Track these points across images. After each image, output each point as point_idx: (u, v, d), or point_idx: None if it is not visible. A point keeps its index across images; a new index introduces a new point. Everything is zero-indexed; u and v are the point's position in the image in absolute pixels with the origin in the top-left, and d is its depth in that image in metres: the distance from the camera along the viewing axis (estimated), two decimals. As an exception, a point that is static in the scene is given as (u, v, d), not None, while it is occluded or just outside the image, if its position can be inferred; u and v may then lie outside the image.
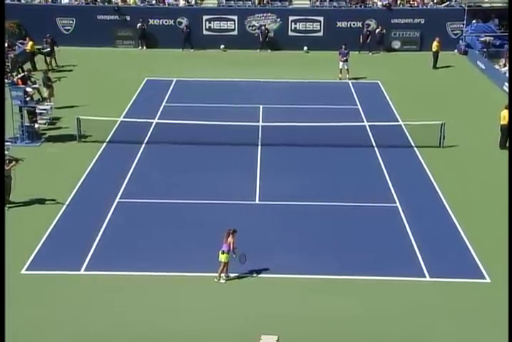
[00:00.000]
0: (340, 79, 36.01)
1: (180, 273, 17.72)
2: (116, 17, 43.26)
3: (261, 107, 31.17)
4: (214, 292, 17.09)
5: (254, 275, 17.74)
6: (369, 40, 42.39)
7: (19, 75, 30.35)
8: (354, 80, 35.92)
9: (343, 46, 36.12)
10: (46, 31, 39.39)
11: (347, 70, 35.92)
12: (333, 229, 20.24)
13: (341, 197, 22.28)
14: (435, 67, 39.24)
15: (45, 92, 30.50)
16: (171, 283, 17.38)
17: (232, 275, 17.62)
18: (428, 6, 44.15)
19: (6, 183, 20.60)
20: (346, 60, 35.99)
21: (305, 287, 17.33)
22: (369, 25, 42.95)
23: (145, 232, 19.93)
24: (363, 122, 29.06)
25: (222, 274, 17.49)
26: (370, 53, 42.43)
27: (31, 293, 16.88)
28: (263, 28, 43.07)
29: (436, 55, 39.32)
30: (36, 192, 22.00)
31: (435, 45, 39.35)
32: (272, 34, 43.27)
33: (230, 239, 17.21)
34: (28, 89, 27.40)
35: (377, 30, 42.57)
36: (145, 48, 43.34)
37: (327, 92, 34.18)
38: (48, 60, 37.82)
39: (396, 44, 43.55)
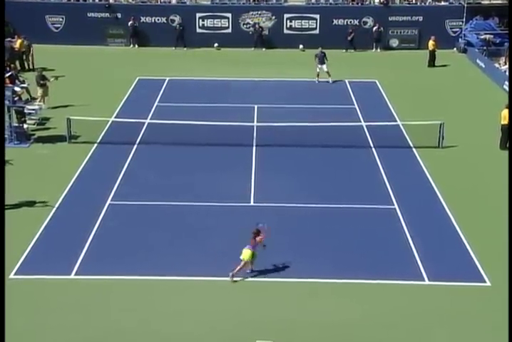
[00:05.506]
0: (318, 82, 35.25)
1: (173, 277, 17.46)
2: (107, 15, 42.91)
3: (256, 107, 30.87)
4: (209, 296, 16.81)
5: (250, 279, 17.42)
6: (350, 38, 42.04)
7: (7, 74, 29.82)
8: (334, 82, 35.34)
9: (319, 48, 35.50)
10: (35, 29, 39.17)
11: (327, 72, 35.08)
12: (330, 232, 19.92)
13: (337, 198, 21.99)
14: (431, 65, 39.04)
15: (38, 92, 30.13)
16: (165, 287, 17.11)
17: (227, 279, 17.29)
18: (427, 3, 43.89)
19: None
20: (324, 63, 35.08)
21: (301, 291, 17.07)
22: (351, 22, 42.67)
23: (137, 235, 19.62)
24: (360, 122, 28.77)
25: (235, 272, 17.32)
26: (353, 51, 42.24)
27: (20, 298, 16.50)
28: (257, 26, 42.70)
29: (432, 54, 39.08)
30: (25, 195, 21.66)
31: (431, 44, 39.17)
32: (266, 32, 43.03)
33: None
34: (17, 88, 27.06)
35: (374, 28, 42.42)
36: (136, 46, 43.01)
37: (323, 92, 33.87)
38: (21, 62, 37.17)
39: (394, 42, 43.34)
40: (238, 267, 17.20)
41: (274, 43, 42.86)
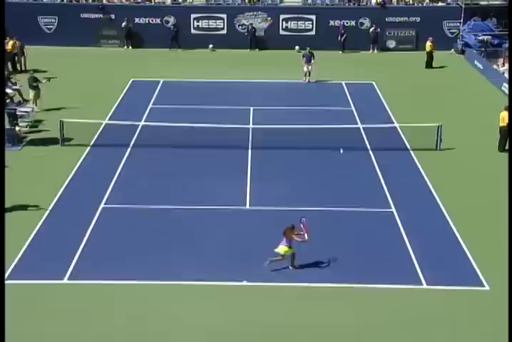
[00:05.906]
0: (306, 81, 35.20)
1: (168, 282, 17.35)
2: (100, 15, 42.76)
3: (251, 109, 30.74)
4: (203, 300, 16.71)
5: (244, 283, 17.29)
6: (342, 39, 41.84)
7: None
8: (316, 82, 35.27)
9: (307, 48, 35.40)
10: (27, 30, 39.00)
11: (309, 72, 35.06)
12: (326, 235, 19.68)
13: (334, 201, 21.84)
14: (429, 67, 38.97)
15: (30, 94, 29.90)
16: (159, 292, 17.01)
17: (221, 283, 17.23)
18: (424, 4, 43.82)
19: None
20: (310, 62, 35.08)
21: (297, 295, 16.97)
22: (347, 23, 42.51)
23: (131, 239, 19.47)
24: (357, 124, 28.65)
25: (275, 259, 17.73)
26: (342, 51, 42.07)
27: (12, 303, 16.24)
28: (249, 26, 42.51)
29: (430, 55, 39.01)
30: (18, 198, 21.48)
31: (428, 45, 39.11)
32: (261, 33, 42.91)
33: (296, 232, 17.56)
34: (9, 90, 26.81)
35: (371, 29, 42.32)
36: (130, 47, 42.91)
37: (320, 93, 33.80)
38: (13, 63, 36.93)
39: (391, 43, 43.29)
40: (275, 258, 17.58)
41: (270, 44, 42.68)
